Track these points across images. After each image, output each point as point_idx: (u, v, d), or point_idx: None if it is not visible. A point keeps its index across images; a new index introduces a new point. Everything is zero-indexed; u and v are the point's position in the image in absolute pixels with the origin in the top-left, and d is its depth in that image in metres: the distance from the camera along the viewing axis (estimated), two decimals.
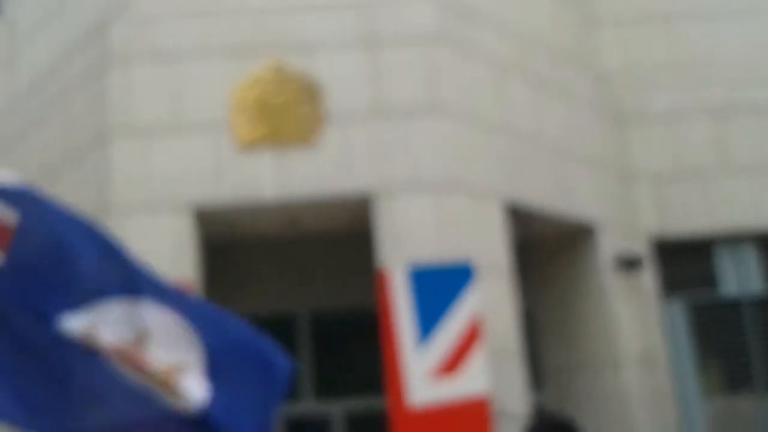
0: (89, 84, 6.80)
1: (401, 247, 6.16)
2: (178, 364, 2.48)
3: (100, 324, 2.43)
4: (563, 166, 7.42)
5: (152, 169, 6.33)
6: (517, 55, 7.31)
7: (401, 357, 5.79)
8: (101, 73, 6.65)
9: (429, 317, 5.91)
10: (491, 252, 6.40)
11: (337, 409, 7.61)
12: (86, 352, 2.41)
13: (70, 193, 6.57)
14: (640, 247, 7.86)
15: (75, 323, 2.42)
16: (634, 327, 7.58)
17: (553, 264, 7.88)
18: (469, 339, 5.82)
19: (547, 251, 7.90)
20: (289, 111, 6.43)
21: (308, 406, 7.67)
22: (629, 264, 7.59)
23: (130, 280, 2.54)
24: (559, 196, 7.28)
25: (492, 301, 6.15)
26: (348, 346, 7.96)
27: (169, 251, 6.05)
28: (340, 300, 7.66)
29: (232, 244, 7.25)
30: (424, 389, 5.74)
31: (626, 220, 7.95)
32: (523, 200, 6.90)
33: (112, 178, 6.31)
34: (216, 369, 2.54)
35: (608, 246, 7.63)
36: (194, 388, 2.46)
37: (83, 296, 2.47)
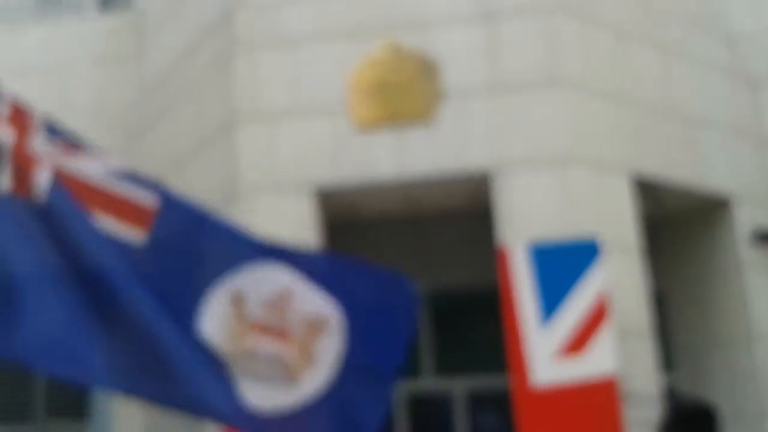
0: (216, 72, 7.04)
1: (522, 225, 6.07)
2: (317, 320, 2.56)
3: (244, 288, 2.54)
4: (694, 136, 7.08)
5: (276, 152, 6.50)
6: (641, 21, 6.99)
7: (524, 336, 5.71)
8: (228, 60, 6.87)
9: (552, 296, 5.78)
10: (619, 228, 6.20)
11: (458, 387, 7.63)
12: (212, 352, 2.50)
13: (199, 179, 6.87)
14: None
15: (218, 295, 2.52)
16: None
17: (685, 239, 7.56)
18: (596, 318, 5.66)
19: (678, 226, 7.59)
20: (406, 90, 6.43)
21: (429, 383, 7.72)
22: (767, 237, 7.18)
23: (260, 250, 2.67)
24: (691, 168, 6.95)
25: (620, 279, 5.96)
26: (469, 324, 7.94)
27: (293, 232, 6.21)
28: (460, 278, 7.64)
29: (353, 224, 7.36)
30: (549, 369, 5.64)
31: (763, 191, 7.50)
32: (651, 173, 6.62)
33: (238, 163, 6.53)
34: (349, 319, 2.64)
35: (744, 219, 7.25)
36: (328, 352, 2.54)
37: (222, 268, 2.59)
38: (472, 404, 7.56)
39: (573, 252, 5.83)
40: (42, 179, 2.50)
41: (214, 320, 2.50)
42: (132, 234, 2.54)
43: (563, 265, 5.80)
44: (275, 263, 2.63)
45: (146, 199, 2.59)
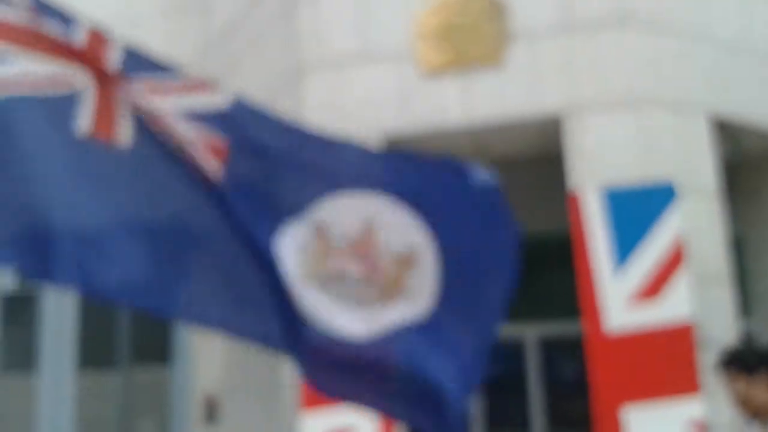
0: (282, 21, 7.03)
1: (595, 168, 5.93)
2: (408, 252, 2.50)
3: (328, 219, 2.51)
4: None
5: (343, 99, 6.49)
6: None
7: (597, 282, 5.63)
8: (293, 9, 6.84)
9: (626, 240, 5.67)
10: (696, 171, 6.00)
11: (530, 333, 7.62)
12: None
13: None
14: None
15: (302, 229, 2.51)
16: None
17: (765, 182, 7.27)
18: (672, 263, 5.54)
19: (757, 168, 7.29)
20: (474, 32, 6.29)
21: (501, 329, 7.71)
22: None
23: (347, 173, 2.60)
24: None
25: (697, 223, 5.80)
26: (541, 271, 7.88)
27: None
28: (531, 224, 7.54)
29: None
30: (622, 314, 5.56)
31: None
32: (730, 113, 6.36)
33: (305, 111, 6.55)
34: (443, 243, 2.57)
35: None
36: (423, 285, 2.49)
37: (304, 199, 2.56)
38: (544, 350, 7.55)
39: (648, 196, 5.68)
40: (124, 119, 2.49)
41: (299, 252, 2.48)
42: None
43: (638, 209, 5.67)
44: (359, 192, 2.56)
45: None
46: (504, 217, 2.57)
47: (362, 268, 2.52)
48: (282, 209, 2.53)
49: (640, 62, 6.06)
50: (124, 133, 2.51)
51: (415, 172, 2.64)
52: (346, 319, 2.48)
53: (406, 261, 2.52)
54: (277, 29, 7.13)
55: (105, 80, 2.52)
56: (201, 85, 2.61)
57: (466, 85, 6.27)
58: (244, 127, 2.61)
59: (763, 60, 6.70)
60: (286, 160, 2.62)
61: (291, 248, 2.49)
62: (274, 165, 2.60)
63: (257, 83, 7.34)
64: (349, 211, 2.55)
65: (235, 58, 7.82)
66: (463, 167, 2.62)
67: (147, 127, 2.51)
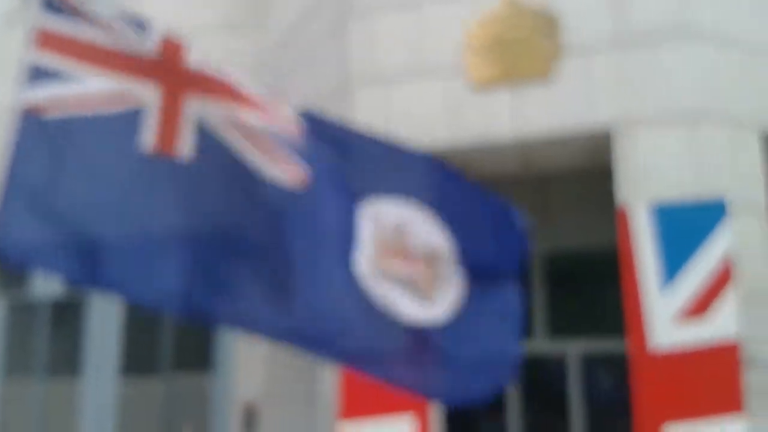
0: (333, 36, 7.16)
1: (644, 184, 5.89)
2: (433, 251, 2.64)
3: (376, 215, 2.62)
4: None
5: (392, 113, 6.56)
6: None
7: (643, 298, 5.58)
8: (344, 24, 6.97)
9: (675, 257, 5.62)
10: (748, 187, 5.91)
11: (572, 350, 7.56)
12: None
13: None
14: None
15: (363, 212, 2.64)
16: None
17: None
18: (720, 280, 5.47)
19: None
20: (525, 46, 6.33)
21: (543, 345, 7.68)
22: None
23: (390, 179, 2.75)
24: None
25: (748, 240, 5.71)
26: (585, 286, 7.83)
27: None
28: (578, 238, 7.53)
29: None
30: (668, 332, 5.50)
31: None
32: None
33: (355, 126, 6.63)
34: (463, 248, 2.72)
35: None
36: (447, 284, 2.59)
37: (365, 191, 2.70)
38: (586, 367, 7.48)
39: (698, 212, 5.63)
40: (188, 131, 2.55)
41: (366, 236, 2.59)
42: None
43: (687, 225, 5.62)
44: (392, 197, 2.68)
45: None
46: (518, 262, 2.73)
47: (405, 264, 2.62)
48: (352, 198, 2.63)
49: (693, 76, 6.02)
50: (187, 145, 2.56)
51: (457, 191, 2.77)
52: (409, 309, 2.57)
53: (433, 256, 2.64)
54: (329, 43, 7.26)
55: (175, 89, 2.57)
56: (274, 106, 2.68)
57: (517, 98, 6.30)
58: (318, 151, 2.70)
59: None
60: (354, 162, 2.75)
61: (367, 235, 2.59)
62: (346, 167, 2.72)
63: (308, 97, 7.47)
64: (386, 212, 2.68)
65: (288, 72, 7.96)
66: (503, 203, 2.78)
67: (214, 137, 2.57)
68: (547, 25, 6.30)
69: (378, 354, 2.56)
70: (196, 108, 2.59)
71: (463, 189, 2.84)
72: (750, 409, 5.24)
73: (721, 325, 5.41)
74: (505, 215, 2.80)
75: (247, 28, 9.24)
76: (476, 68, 6.41)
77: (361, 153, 2.77)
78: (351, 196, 2.62)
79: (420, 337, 2.57)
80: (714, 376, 5.39)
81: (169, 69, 2.59)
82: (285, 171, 2.56)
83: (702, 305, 5.43)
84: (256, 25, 9.11)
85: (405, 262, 2.61)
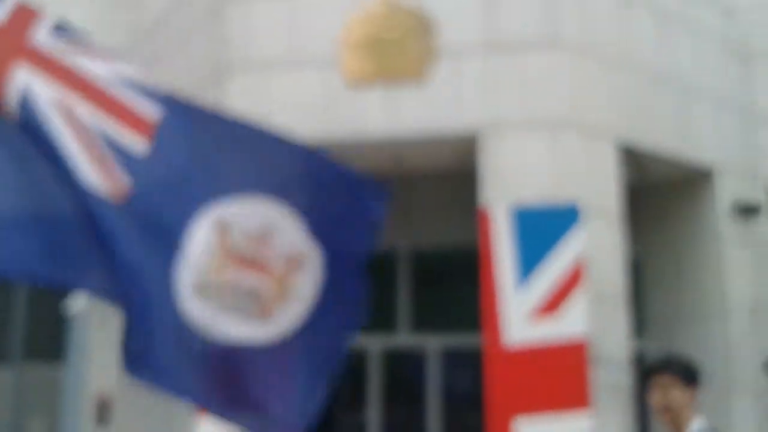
0: (209, 21, 6.95)
1: (506, 187, 6.08)
2: (297, 255, 2.59)
3: (231, 218, 2.53)
4: (686, 106, 7.06)
5: (266, 102, 6.45)
6: None
7: (499, 296, 5.76)
8: (221, 8, 6.78)
9: (530, 258, 5.83)
10: (602, 194, 6.22)
11: (433, 344, 7.72)
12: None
13: None
14: (759, 193, 7.46)
15: (208, 216, 2.52)
16: (747, 276, 7.26)
17: (666, 208, 7.59)
18: (572, 281, 5.72)
19: (660, 195, 7.61)
20: (399, 46, 6.37)
21: (405, 339, 7.81)
22: (747, 210, 7.24)
23: (260, 177, 2.65)
24: (679, 138, 6.95)
25: (599, 244, 6.00)
26: (447, 283, 8.01)
27: None
28: (441, 237, 7.68)
29: None
30: (521, 329, 5.70)
31: (746, 165, 7.54)
32: (640, 141, 6.62)
33: (229, 113, 6.47)
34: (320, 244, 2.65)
35: (726, 191, 7.28)
36: (305, 287, 2.56)
37: (219, 190, 2.57)
38: (445, 361, 7.66)
39: (553, 216, 5.86)
40: (18, 86, 2.41)
41: (199, 246, 2.48)
42: (134, 141, 2.50)
43: (543, 228, 5.83)
44: (267, 197, 2.59)
45: (149, 110, 2.53)
46: (371, 234, 2.71)
47: (253, 273, 2.55)
48: (196, 197, 2.53)
49: (555, 85, 6.25)
50: (15, 101, 2.41)
51: (325, 177, 2.73)
52: (237, 330, 2.50)
53: (294, 261, 2.59)
54: (204, 27, 7.04)
55: (8, 55, 2.44)
56: (129, 103, 2.57)
57: (389, 97, 6.34)
58: (176, 108, 2.59)
59: (674, 91, 7.00)
60: (210, 148, 2.62)
61: (197, 243, 2.48)
62: (198, 151, 2.59)
63: (181, 80, 7.22)
64: (254, 212, 2.59)
65: (161, 54, 7.67)
66: (361, 179, 2.76)
67: (37, 117, 2.42)
68: (422, 26, 6.38)
69: (191, 379, 2.47)
70: (24, 79, 2.45)
71: (329, 173, 2.80)
72: (597, 404, 5.52)
73: (571, 323, 5.66)
74: (365, 195, 2.77)
75: (124, 3, 8.85)
76: (352, 64, 6.40)
77: (230, 143, 2.67)
78: (195, 201, 2.51)
79: (239, 357, 2.50)
80: (563, 372, 5.64)
81: (9, 35, 2.47)
82: (105, 180, 2.42)
83: (553, 304, 5.66)
84: (133, 2, 8.74)
85: (253, 272, 2.53)
